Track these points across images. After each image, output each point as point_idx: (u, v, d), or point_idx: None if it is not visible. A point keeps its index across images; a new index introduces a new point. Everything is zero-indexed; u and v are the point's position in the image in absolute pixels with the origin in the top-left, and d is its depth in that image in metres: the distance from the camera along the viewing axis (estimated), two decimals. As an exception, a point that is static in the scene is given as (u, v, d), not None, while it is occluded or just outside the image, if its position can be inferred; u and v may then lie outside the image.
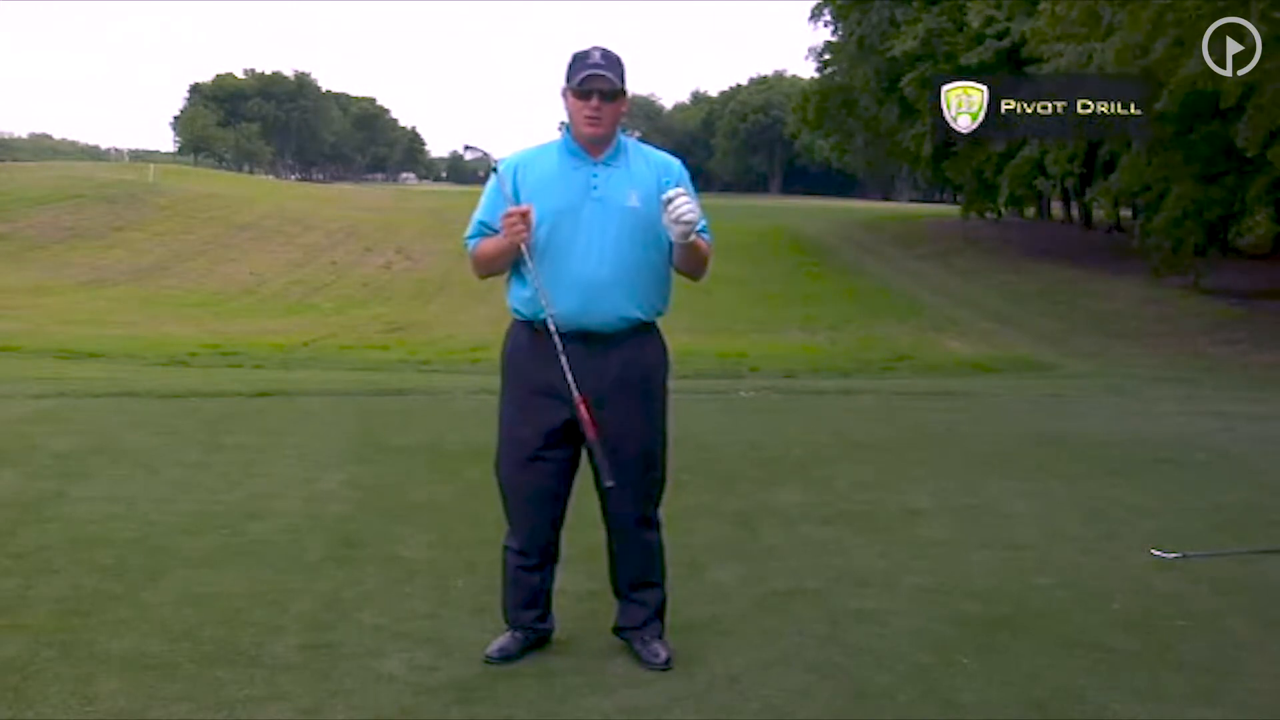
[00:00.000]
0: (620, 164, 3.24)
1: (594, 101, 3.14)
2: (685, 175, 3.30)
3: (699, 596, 3.87)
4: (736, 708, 3.04)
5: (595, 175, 3.21)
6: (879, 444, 7.18)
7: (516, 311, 3.28)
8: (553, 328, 3.15)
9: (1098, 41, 15.95)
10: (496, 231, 3.23)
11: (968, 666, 3.32)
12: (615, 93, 3.16)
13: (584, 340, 3.18)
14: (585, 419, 3.14)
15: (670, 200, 3.08)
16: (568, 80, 3.18)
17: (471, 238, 3.31)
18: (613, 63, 3.17)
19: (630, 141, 3.31)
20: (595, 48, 3.19)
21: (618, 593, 3.42)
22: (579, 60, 3.17)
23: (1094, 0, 15.81)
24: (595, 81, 3.13)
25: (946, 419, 8.64)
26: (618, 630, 3.41)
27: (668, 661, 3.28)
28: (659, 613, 3.39)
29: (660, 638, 3.36)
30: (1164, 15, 13.64)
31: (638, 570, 3.38)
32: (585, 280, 3.16)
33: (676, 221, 3.08)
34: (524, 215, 3.10)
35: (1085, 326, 21.12)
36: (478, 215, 3.30)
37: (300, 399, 8.91)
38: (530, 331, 3.23)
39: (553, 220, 3.17)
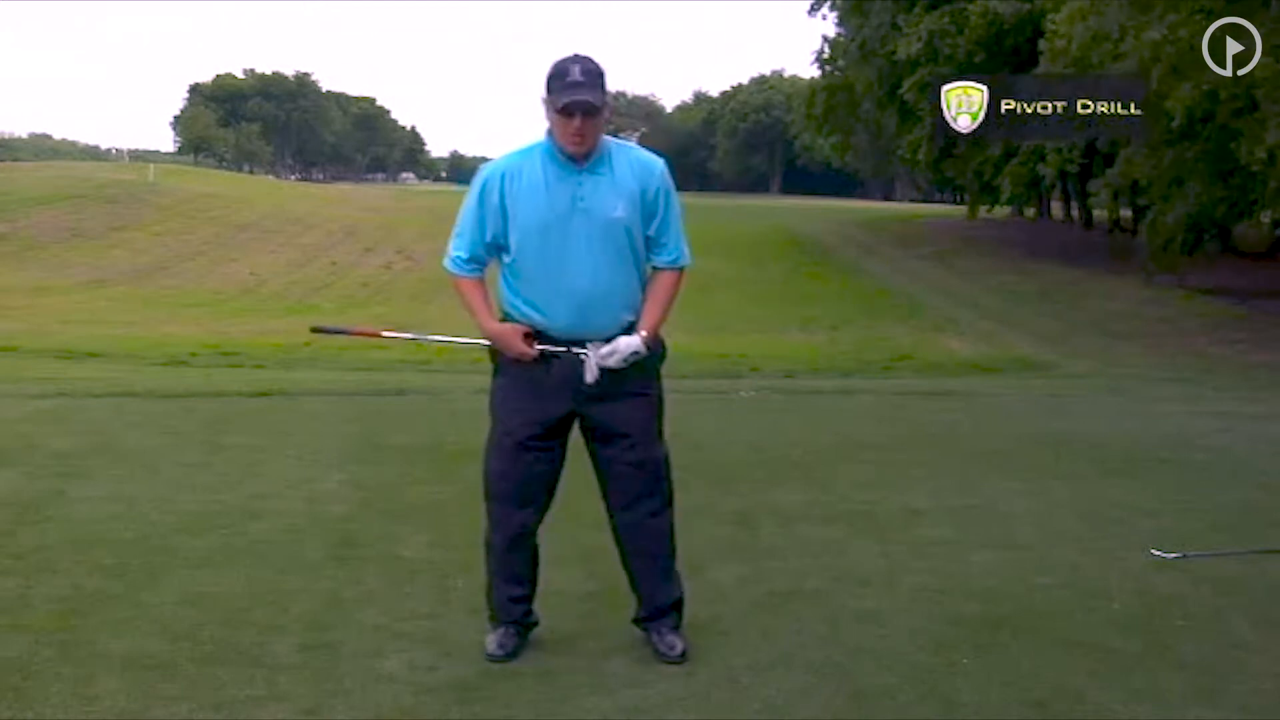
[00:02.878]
0: (605, 170, 3.21)
1: (577, 121, 3.10)
2: (667, 176, 3.30)
3: (699, 596, 3.85)
4: (736, 708, 3.04)
5: (581, 185, 3.19)
6: (879, 444, 7.17)
7: (509, 313, 3.30)
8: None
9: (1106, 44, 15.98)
10: (496, 243, 3.23)
11: (968, 666, 3.32)
12: (598, 108, 3.11)
13: (579, 345, 3.22)
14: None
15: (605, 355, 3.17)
16: (549, 93, 3.13)
17: (465, 266, 3.28)
18: (593, 77, 3.11)
19: (613, 143, 3.28)
20: (575, 61, 3.12)
21: (633, 586, 3.42)
22: (560, 76, 3.11)
23: (1101, 27, 15.86)
24: (579, 104, 3.08)
25: (946, 419, 8.64)
26: (636, 621, 3.41)
27: (683, 654, 3.28)
28: (676, 605, 3.39)
29: (677, 630, 3.36)
30: (1160, 48, 13.68)
31: (651, 562, 3.37)
32: (580, 295, 3.18)
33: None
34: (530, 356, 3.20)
35: (1085, 326, 21.09)
36: (474, 238, 3.26)
37: (300, 399, 8.89)
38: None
39: (541, 234, 3.17)
